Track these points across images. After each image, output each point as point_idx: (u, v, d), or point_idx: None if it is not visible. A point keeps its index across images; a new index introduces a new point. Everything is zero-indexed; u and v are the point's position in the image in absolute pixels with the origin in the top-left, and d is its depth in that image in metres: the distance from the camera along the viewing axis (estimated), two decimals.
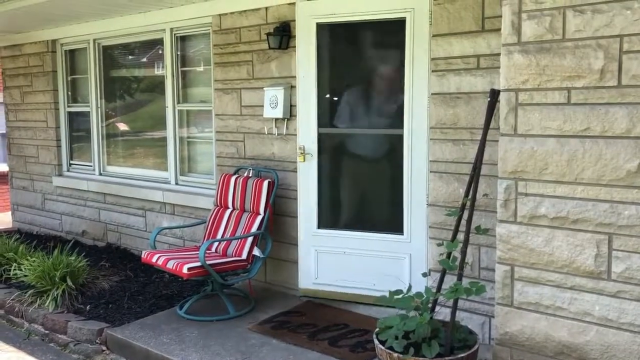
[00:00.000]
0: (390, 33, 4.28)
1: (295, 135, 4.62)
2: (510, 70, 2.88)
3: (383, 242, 4.34)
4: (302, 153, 4.51)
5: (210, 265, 4.18)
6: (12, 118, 7.71)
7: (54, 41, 6.92)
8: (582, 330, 2.77)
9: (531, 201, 2.87)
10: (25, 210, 7.70)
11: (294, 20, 4.56)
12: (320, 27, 4.44)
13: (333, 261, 4.55)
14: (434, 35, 3.86)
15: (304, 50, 4.48)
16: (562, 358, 2.84)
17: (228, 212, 4.81)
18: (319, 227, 4.58)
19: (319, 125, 4.50)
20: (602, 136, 2.66)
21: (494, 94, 3.17)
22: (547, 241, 2.84)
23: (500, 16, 2.98)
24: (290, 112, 4.67)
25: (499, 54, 3.13)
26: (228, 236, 4.67)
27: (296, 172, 4.62)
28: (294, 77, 4.60)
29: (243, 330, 4.06)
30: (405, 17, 4.04)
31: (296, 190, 4.63)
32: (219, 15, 5.11)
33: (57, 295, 4.63)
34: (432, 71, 3.89)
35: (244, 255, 4.45)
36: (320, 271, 4.59)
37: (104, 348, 4.14)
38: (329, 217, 4.62)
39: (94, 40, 6.49)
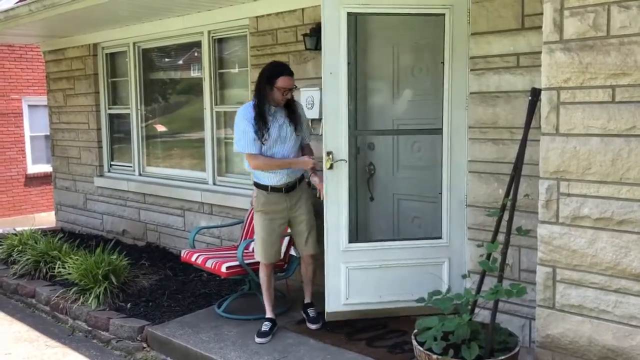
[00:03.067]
0: (428, 29, 4.19)
1: None
2: (551, 69, 2.83)
3: (421, 248, 4.12)
4: (329, 159, 3.92)
5: (248, 264, 4.23)
6: (55, 120, 7.93)
7: (95, 45, 7.10)
8: (628, 334, 2.70)
9: (574, 202, 2.81)
10: (68, 209, 7.91)
11: None
12: (351, 17, 4.03)
13: (366, 277, 4.09)
14: (472, 34, 3.82)
15: (331, 44, 3.92)
16: None
17: None
18: (350, 241, 4.07)
19: (350, 127, 4.04)
20: None
21: (535, 93, 3.12)
22: (590, 242, 2.78)
23: (541, 14, 2.94)
24: None
25: (539, 52, 3.08)
26: None
27: None
28: None
29: (280, 330, 4.08)
30: (444, 14, 3.94)
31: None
32: (256, 17, 5.15)
33: (99, 293, 4.74)
34: (471, 70, 3.84)
35: (281, 255, 4.47)
36: (351, 290, 4.09)
37: (145, 345, 4.22)
38: (362, 229, 4.51)
39: (134, 43, 6.63)
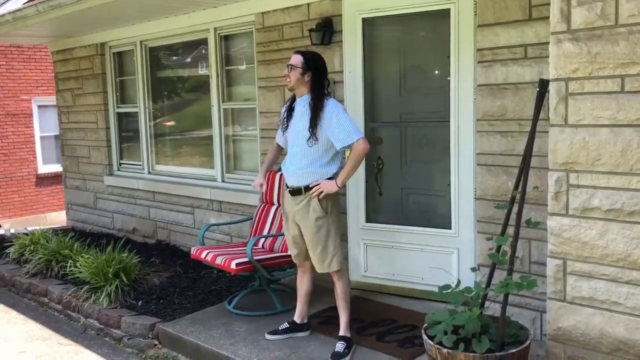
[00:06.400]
0: (434, 25, 4.23)
1: None
2: (559, 59, 2.80)
3: (431, 236, 4.31)
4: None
5: (258, 260, 4.23)
6: (64, 120, 7.97)
7: (102, 44, 7.12)
8: None
9: (583, 193, 2.79)
10: (78, 209, 7.96)
11: (337, 16, 4.56)
12: (365, 22, 4.44)
13: (381, 254, 4.57)
14: (479, 26, 3.79)
15: (350, 47, 4.51)
16: (618, 355, 2.75)
17: (274, 208, 4.85)
18: (367, 220, 4.61)
19: (366, 120, 4.51)
20: None
21: (543, 84, 3.09)
22: (601, 234, 2.76)
23: (548, 4, 2.91)
24: None
25: (547, 43, 3.05)
26: (274, 232, 4.71)
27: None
28: (338, 72, 4.60)
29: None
30: (449, 8, 3.99)
31: (344, 186, 4.61)
32: (262, 13, 5.15)
33: (110, 291, 4.77)
34: (478, 62, 3.82)
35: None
36: (369, 264, 4.64)
37: (156, 342, 4.25)
38: (377, 211, 4.62)
39: (141, 41, 6.64)
